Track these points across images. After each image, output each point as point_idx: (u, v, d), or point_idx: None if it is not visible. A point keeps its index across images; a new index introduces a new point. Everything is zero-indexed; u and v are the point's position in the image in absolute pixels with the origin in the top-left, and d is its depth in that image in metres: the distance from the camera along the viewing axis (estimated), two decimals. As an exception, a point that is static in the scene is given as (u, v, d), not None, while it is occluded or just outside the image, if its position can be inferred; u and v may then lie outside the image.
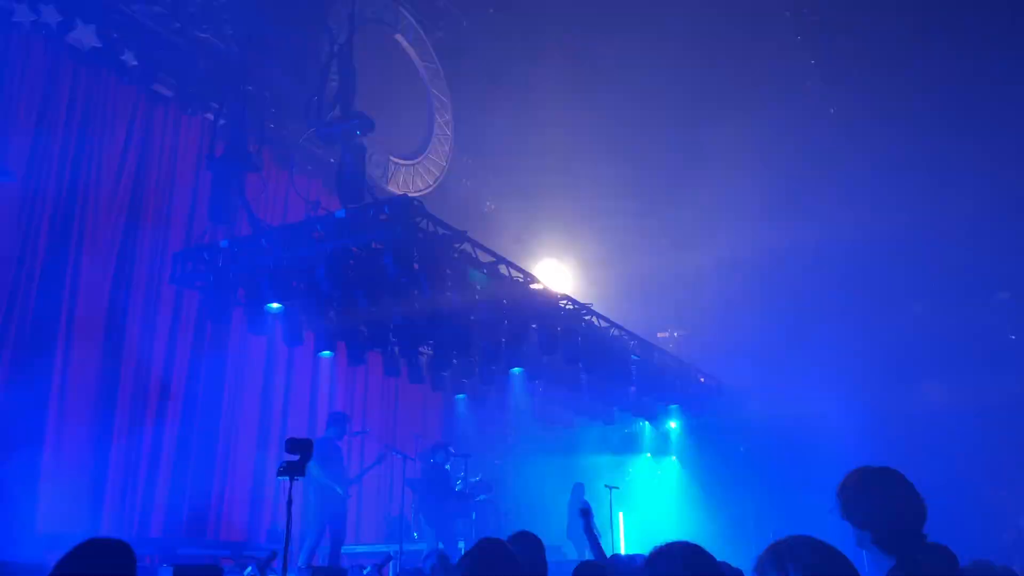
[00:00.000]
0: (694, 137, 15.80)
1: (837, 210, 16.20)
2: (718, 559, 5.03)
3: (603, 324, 12.99)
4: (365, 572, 8.07)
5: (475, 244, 10.15)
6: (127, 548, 2.71)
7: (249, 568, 7.00)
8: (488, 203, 16.04)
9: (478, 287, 10.16)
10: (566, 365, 12.16)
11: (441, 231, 9.62)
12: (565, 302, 12.07)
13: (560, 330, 11.76)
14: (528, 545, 3.98)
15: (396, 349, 10.94)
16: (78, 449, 8.82)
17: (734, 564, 5.11)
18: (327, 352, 10.53)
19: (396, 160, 13.64)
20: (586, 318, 12.52)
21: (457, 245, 9.83)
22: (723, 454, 16.17)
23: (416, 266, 9.11)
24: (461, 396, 12.98)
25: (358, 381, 12.11)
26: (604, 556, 4.76)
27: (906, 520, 2.51)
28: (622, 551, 10.90)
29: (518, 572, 3.08)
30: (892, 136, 16.14)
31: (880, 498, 2.55)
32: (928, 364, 15.82)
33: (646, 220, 17.61)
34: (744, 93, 15.64)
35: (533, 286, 11.32)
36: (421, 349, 11.14)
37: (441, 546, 8.56)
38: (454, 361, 11.51)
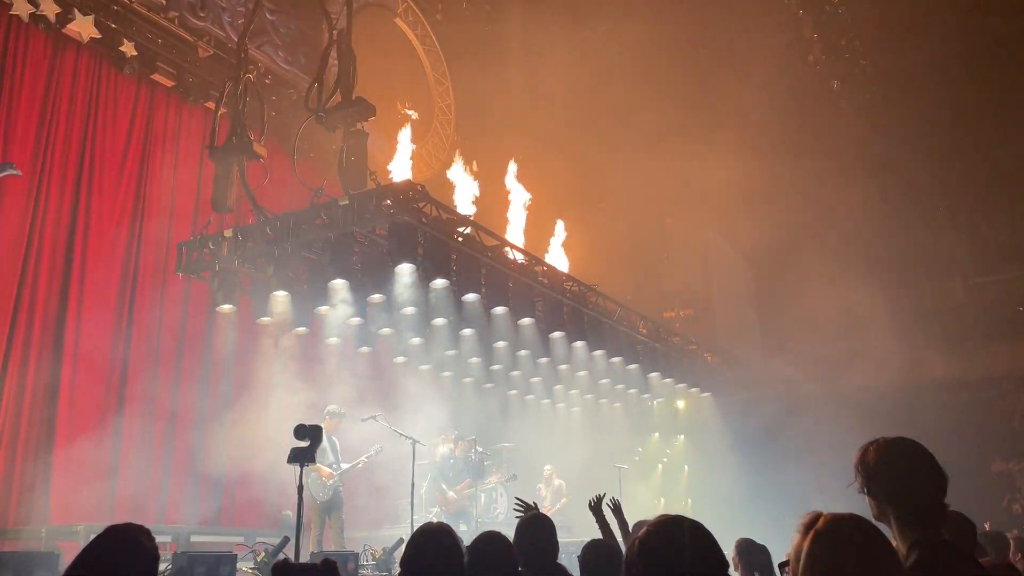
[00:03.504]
0: (700, 115, 15.72)
1: (844, 190, 16.15)
2: (742, 536, 5.07)
3: (608, 304, 13.04)
4: (377, 557, 8.14)
5: (479, 228, 10.17)
6: (148, 533, 2.76)
7: (261, 555, 7.06)
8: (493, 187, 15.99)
9: (483, 270, 10.19)
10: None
11: (445, 215, 9.63)
12: (570, 283, 12.09)
13: (565, 310, 11.80)
14: (539, 527, 4.01)
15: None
16: (90, 439, 8.88)
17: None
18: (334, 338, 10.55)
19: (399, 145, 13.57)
20: (591, 299, 12.55)
21: (462, 229, 9.84)
22: (732, 432, 16.20)
23: (421, 251, 9.12)
24: (468, 379, 13.01)
25: (363, 366, 12.13)
26: (612, 537, 4.79)
27: (930, 492, 2.42)
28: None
29: (459, 555, 3.10)
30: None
31: (904, 471, 2.45)
32: (936, 335, 15.81)
33: (655, 201, 17.58)
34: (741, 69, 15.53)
35: (538, 268, 11.36)
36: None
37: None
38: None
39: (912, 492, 2.42)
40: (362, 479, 10.31)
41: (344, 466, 9.60)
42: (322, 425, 9.57)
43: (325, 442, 9.51)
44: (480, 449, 11.71)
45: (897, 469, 2.46)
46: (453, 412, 12.39)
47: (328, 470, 9.35)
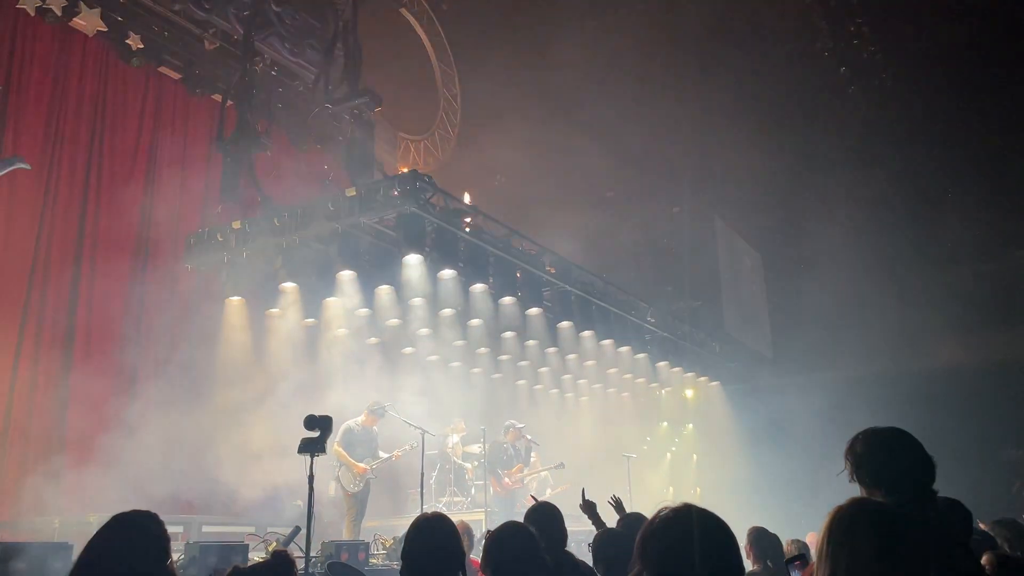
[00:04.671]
0: (708, 103, 15.64)
1: (852, 176, 16.07)
2: (753, 524, 5.08)
3: (617, 293, 13.06)
4: (387, 546, 8.20)
5: (487, 217, 10.17)
6: (156, 518, 2.79)
7: (273, 544, 7.10)
8: (499, 175, 15.98)
9: (491, 260, 10.20)
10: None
11: (453, 205, 9.63)
12: (578, 273, 12.10)
13: (573, 299, 11.82)
14: (545, 515, 4.03)
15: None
16: (102, 431, 8.93)
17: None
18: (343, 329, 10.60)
19: (404, 136, 13.60)
20: (599, 288, 12.56)
21: (469, 219, 9.85)
22: (741, 421, 16.20)
23: (428, 242, 9.14)
24: (477, 369, 13.04)
25: (372, 356, 12.18)
26: (604, 525, 4.80)
27: (915, 479, 2.48)
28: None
29: (458, 544, 3.11)
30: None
31: (890, 458, 2.52)
32: (945, 322, 15.75)
33: (660, 189, 17.52)
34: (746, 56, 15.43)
35: (545, 257, 11.37)
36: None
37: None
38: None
39: (897, 478, 2.48)
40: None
41: (383, 454, 9.70)
42: (360, 419, 9.69)
43: (363, 435, 9.60)
44: (529, 437, 11.80)
45: (883, 456, 2.53)
46: (461, 402, 12.41)
47: (362, 465, 9.43)
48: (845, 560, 1.98)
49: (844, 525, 2.04)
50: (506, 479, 11.28)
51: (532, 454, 11.93)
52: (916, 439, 2.53)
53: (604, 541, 4.26)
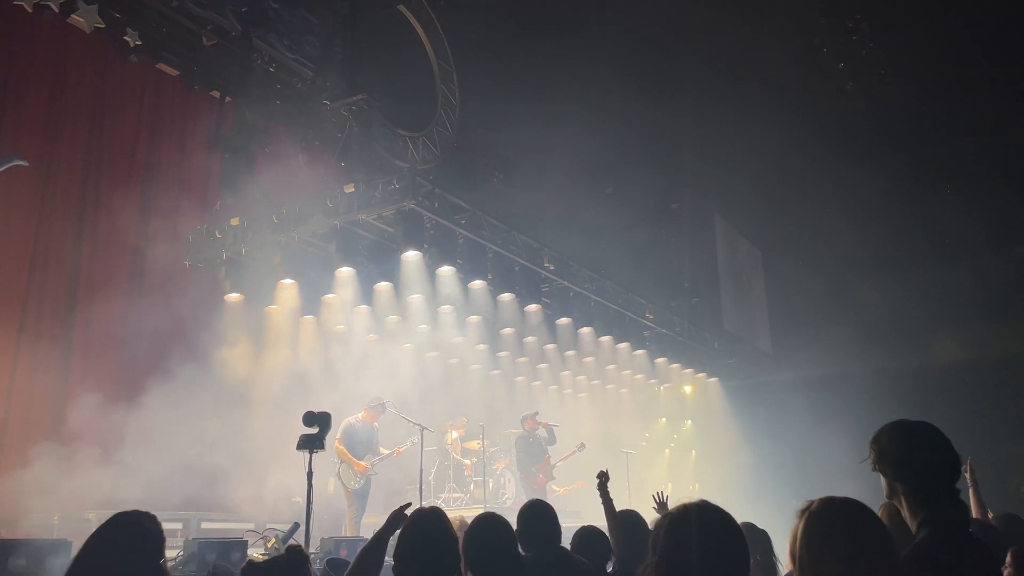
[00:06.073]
0: (707, 102, 15.63)
1: (851, 172, 16.07)
2: (745, 520, 5.06)
3: (615, 290, 13.06)
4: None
5: (486, 214, 10.18)
6: (153, 518, 2.83)
7: (272, 541, 7.11)
8: (497, 173, 15.97)
9: (490, 256, 10.21)
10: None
11: (452, 201, 9.63)
12: (576, 269, 12.10)
13: (572, 296, 11.83)
14: (537, 513, 4.03)
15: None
16: (101, 428, 8.93)
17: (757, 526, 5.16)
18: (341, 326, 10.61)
19: (403, 132, 13.57)
20: (598, 285, 12.57)
21: (467, 215, 9.85)
22: (739, 417, 16.22)
23: (427, 239, 9.15)
24: (476, 366, 13.05)
25: (371, 353, 12.18)
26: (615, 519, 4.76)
27: (940, 474, 2.47)
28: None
29: (453, 539, 3.10)
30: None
31: (915, 451, 2.51)
32: (945, 317, 15.77)
33: (659, 186, 17.52)
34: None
35: (544, 254, 11.37)
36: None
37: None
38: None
39: (920, 472, 2.47)
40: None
41: (384, 451, 9.72)
42: (360, 415, 9.71)
43: (363, 431, 9.64)
44: (546, 422, 11.75)
45: (907, 449, 2.52)
46: (460, 399, 12.42)
47: (363, 463, 9.45)
48: (821, 562, 2.03)
49: (808, 518, 2.11)
50: (539, 475, 11.23)
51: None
52: (944, 435, 2.52)
53: (581, 537, 4.29)
